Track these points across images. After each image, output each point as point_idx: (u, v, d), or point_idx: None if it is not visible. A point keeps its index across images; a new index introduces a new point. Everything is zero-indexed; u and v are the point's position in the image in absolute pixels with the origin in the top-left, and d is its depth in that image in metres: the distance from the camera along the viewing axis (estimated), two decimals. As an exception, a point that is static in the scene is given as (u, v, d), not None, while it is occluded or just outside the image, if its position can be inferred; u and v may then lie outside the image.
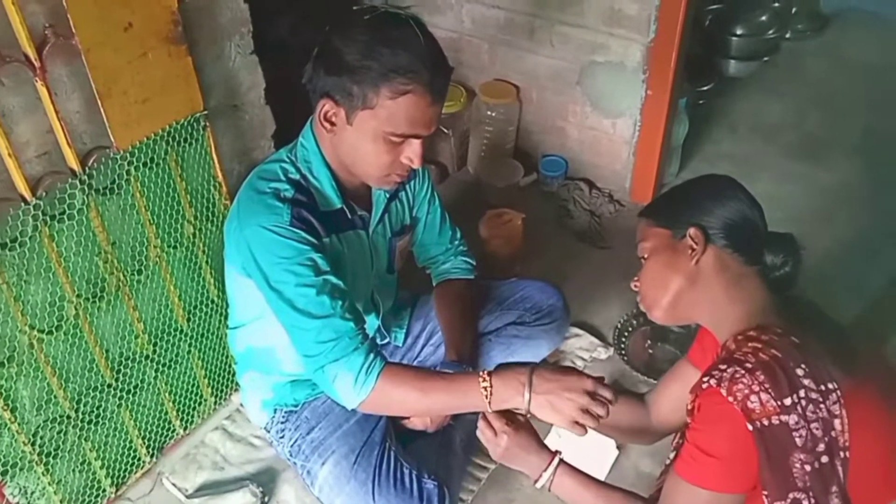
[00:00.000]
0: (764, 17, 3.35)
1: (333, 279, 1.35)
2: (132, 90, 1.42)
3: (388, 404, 1.36)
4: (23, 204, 1.35)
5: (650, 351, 2.11)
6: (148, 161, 1.53)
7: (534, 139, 2.80)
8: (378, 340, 1.74)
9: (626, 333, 2.14)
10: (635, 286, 1.27)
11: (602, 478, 1.27)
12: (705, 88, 3.11)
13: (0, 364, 1.41)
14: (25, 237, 1.37)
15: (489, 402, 1.26)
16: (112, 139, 1.43)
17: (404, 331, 1.83)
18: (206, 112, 1.60)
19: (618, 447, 1.78)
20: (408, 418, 1.64)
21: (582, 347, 2.10)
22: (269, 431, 1.71)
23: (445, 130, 2.69)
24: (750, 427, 1.03)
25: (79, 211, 1.44)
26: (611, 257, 2.45)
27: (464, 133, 2.81)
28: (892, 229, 2.47)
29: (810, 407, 1.05)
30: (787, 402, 1.04)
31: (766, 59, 3.35)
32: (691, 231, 1.17)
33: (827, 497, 1.06)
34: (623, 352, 2.09)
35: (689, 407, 1.15)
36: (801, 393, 1.05)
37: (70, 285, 1.48)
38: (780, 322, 1.14)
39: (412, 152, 1.34)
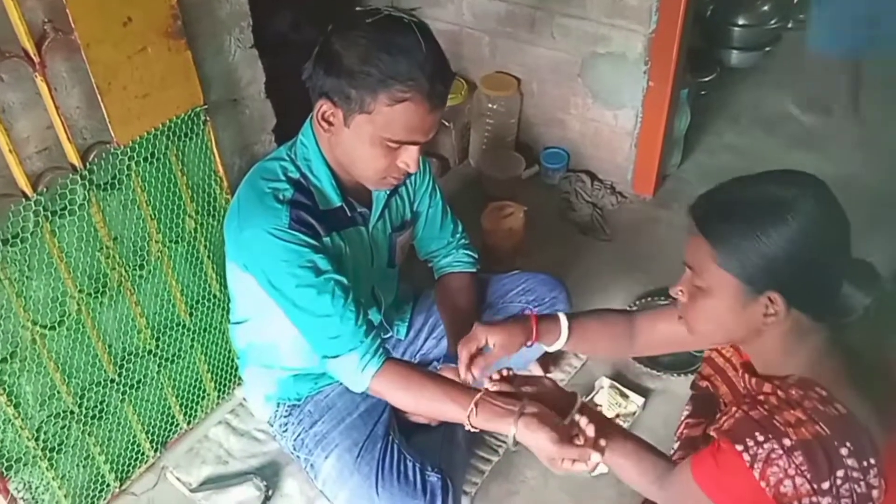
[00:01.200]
0: (765, 7, 3.33)
1: (335, 277, 1.36)
2: (132, 85, 1.42)
3: (385, 399, 1.43)
4: (24, 200, 1.35)
5: (653, 343, 2.10)
6: (148, 156, 1.53)
7: (535, 131, 2.80)
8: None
9: (628, 325, 2.14)
10: (678, 295, 1.14)
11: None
12: (707, 79, 3.10)
13: (3, 360, 1.42)
14: (27, 233, 1.37)
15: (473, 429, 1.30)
16: (112, 134, 1.43)
17: (407, 324, 1.83)
18: (206, 106, 1.60)
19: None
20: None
21: (584, 340, 2.10)
22: (272, 425, 1.71)
23: (446, 123, 2.68)
24: None
25: (80, 206, 1.44)
26: (613, 249, 2.45)
27: (465, 126, 2.80)
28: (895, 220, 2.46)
29: (846, 485, 0.98)
30: (825, 485, 0.97)
31: (767, 49, 3.34)
32: (772, 296, 1.02)
33: None
34: (625, 344, 2.08)
35: (713, 437, 1.10)
36: (840, 473, 0.98)
37: (72, 281, 1.48)
38: (826, 374, 1.05)
39: (409, 158, 1.34)
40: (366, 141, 1.31)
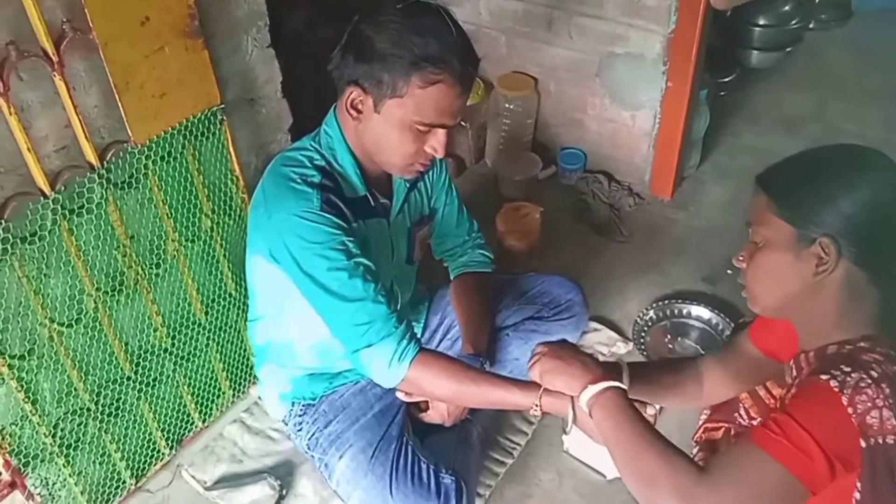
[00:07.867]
0: (787, 7, 3.29)
1: (365, 261, 1.35)
2: (149, 84, 1.43)
3: (422, 390, 1.41)
4: (42, 198, 1.36)
5: (670, 346, 2.08)
6: (165, 155, 1.53)
7: (552, 132, 2.78)
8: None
9: (645, 328, 2.12)
10: (739, 263, 1.15)
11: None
12: (726, 80, 3.07)
13: (21, 357, 1.43)
14: (45, 231, 1.38)
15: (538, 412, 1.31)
16: (130, 133, 1.44)
17: (422, 325, 1.82)
18: (222, 106, 1.60)
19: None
20: (425, 411, 1.64)
21: (601, 342, 2.08)
22: (286, 424, 1.71)
23: (463, 123, 2.68)
24: (863, 444, 0.95)
25: (97, 205, 1.45)
26: (630, 251, 2.43)
27: (481, 126, 2.79)
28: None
29: None
30: None
31: (788, 49, 3.30)
32: (823, 241, 1.02)
33: None
34: (643, 346, 2.07)
35: (790, 382, 1.08)
36: None
37: (89, 279, 1.49)
38: (888, 339, 1.04)
39: (437, 142, 1.35)
40: (395, 125, 1.32)
